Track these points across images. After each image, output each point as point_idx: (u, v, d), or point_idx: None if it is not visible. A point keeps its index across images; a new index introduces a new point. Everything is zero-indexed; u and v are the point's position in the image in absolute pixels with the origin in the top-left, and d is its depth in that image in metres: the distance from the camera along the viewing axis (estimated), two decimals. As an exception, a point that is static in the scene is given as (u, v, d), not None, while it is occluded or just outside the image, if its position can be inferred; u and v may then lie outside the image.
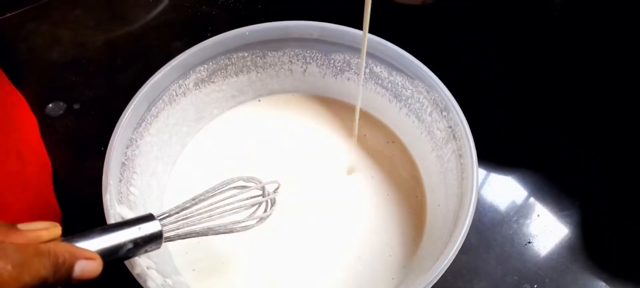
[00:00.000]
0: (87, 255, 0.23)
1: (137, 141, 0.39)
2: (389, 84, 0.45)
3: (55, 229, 0.23)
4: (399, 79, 0.44)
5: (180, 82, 0.43)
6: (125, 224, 0.27)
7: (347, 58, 0.46)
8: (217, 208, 0.33)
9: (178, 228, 0.31)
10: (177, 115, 0.44)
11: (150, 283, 0.31)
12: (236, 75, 0.47)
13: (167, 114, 0.43)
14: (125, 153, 0.38)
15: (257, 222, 0.36)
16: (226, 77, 0.46)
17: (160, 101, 0.42)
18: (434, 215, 0.42)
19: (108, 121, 0.39)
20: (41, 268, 0.20)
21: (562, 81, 0.59)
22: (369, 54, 0.44)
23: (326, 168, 0.46)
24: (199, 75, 0.44)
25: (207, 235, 0.33)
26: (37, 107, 0.54)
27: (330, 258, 0.41)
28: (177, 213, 0.31)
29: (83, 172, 0.49)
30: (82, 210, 0.46)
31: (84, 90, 0.57)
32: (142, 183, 0.40)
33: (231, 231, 0.34)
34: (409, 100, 0.45)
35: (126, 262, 0.32)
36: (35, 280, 0.20)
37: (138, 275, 0.31)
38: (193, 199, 0.33)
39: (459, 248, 0.33)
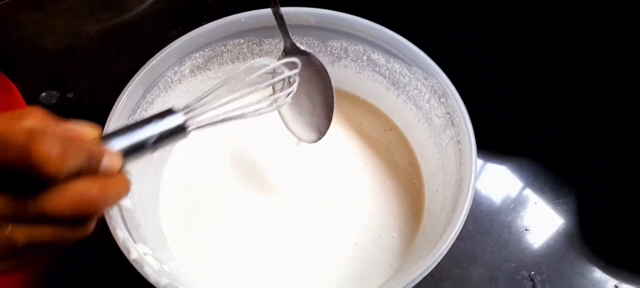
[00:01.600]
0: (110, 154, 0.25)
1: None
2: (387, 71, 0.45)
3: (97, 130, 0.26)
4: (396, 66, 0.44)
5: (175, 68, 0.42)
6: (149, 120, 0.28)
7: (345, 45, 0.45)
8: (236, 92, 0.32)
9: (200, 115, 0.30)
10: (172, 102, 0.44)
11: (147, 268, 0.30)
12: (232, 63, 0.46)
13: (162, 101, 0.42)
14: (121, 139, 0.37)
15: (285, 97, 0.35)
16: (222, 64, 0.46)
17: (156, 88, 0.41)
18: (432, 201, 0.42)
19: (102, 110, 0.38)
20: (79, 157, 0.22)
21: (558, 73, 0.59)
22: (366, 41, 0.44)
23: (323, 157, 0.46)
24: (194, 61, 0.43)
25: (230, 120, 0.32)
26: (30, 97, 0.53)
27: (328, 245, 0.41)
28: (198, 102, 0.31)
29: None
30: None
31: (78, 80, 0.56)
32: (138, 171, 0.40)
33: (256, 112, 0.33)
34: (407, 87, 0.44)
35: (122, 248, 0.31)
36: (74, 166, 0.22)
37: (134, 260, 0.31)
38: (212, 88, 0.32)
39: (458, 233, 0.33)
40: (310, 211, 0.43)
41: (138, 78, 0.39)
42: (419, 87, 0.43)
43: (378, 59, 0.45)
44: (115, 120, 0.37)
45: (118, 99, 0.37)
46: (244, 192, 0.44)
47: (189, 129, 0.29)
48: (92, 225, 0.25)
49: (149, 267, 0.30)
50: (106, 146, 0.25)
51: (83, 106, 0.53)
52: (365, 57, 0.45)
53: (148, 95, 0.40)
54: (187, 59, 0.43)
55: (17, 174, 0.21)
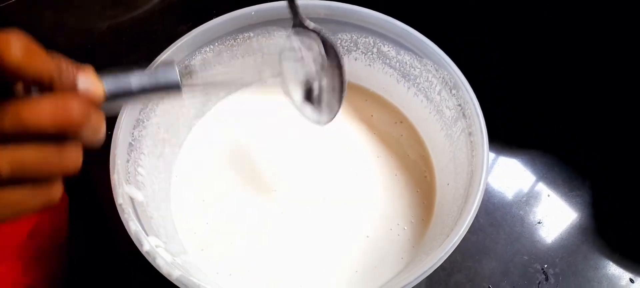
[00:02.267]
0: (88, 72, 0.24)
1: (144, 122, 0.39)
2: (397, 63, 0.45)
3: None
4: (407, 58, 0.44)
5: (186, 62, 0.42)
6: (142, 70, 0.26)
7: (355, 37, 0.45)
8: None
9: (198, 73, 0.29)
10: (183, 96, 0.44)
11: (159, 260, 0.31)
12: (242, 57, 0.46)
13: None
14: (132, 133, 0.38)
15: (293, 72, 0.34)
16: (232, 58, 0.46)
17: (167, 82, 0.41)
18: (443, 194, 0.42)
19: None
20: (48, 62, 0.21)
21: (571, 63, 0.58)
22: (376, 33, 0.44)
23: (334, 150, 0.46)
24: (204, 55, 0.44)
25: (229, 84, 0.31)
26: (43, 93, 0.54)
27: (340, 239, 0.41)
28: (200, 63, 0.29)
29: (90, 157, 0.49)
30: (90, 194, 0.46)
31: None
32: (150, 165, 0.40)
33: (256, 80, 0.31)
34: (418, 79, 0.44)
35: (135, 241, 0.32)
36: (42, 67, 0.21)
37: (147, 252, 0.31)
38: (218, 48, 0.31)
39: (470, 225, 0.33)
40: (321, 205, 0.43)
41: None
42: (429, 78, 0.42)
43: (388, 51, 0.44)
44: (126, 117, 0.37)
45: (130, 93, 0.38)
46: (255, 185, 0.44)
47: (184, 86, 0.28)
48: (77, 155, 0.23)
49: (162, 259, 0.31)
50: (85, 68, 0.24)
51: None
52: (375, 50, 0.45)
53: (159, 90, 0.41)
54: (197, 52, 0.43)
55: None
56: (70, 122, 0.22)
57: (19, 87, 0.22)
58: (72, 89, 0.23)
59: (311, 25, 0.36)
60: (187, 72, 0.28)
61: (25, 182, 0.22)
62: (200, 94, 0.31)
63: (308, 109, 0.38)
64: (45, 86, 0.22)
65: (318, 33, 0.36)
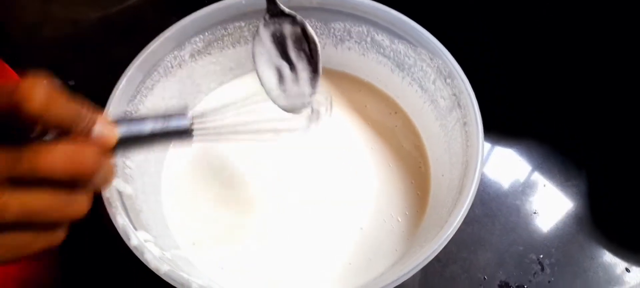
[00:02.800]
0: (104, 119, 0.24)
1: (132, 114, 0.38)
2: (391, 53, 0.44)
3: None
4: (401, 47, 0.43)
5: (175, 53, 0.41)
6: (155, 116, 0.27)
7: (348, 27, 0.44)
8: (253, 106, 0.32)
9: (211, 129, 0.30)
10: (173, 88, 0.43)
11: (147, 255, 0.30)
12: (233, 47, 0.45)
13: (162, 87, 0.42)
14: (121, 126, 0.37)
15: (309, 122, 0.34)
16: (223, 48, 0.45)
17: (156, 73, 0.40)
18: (437, 185, 0.42)
19: (104, 97, 0.38)
20: (66, 109, 0.21)
21: (566, 51, 0.57)
22: (370, 22, 0.43)
23: (327, 142, 0.45)
24: (194, 46, 0.43)
25: (241, 134, 0.31)
26: (32, 85, 0.53)
27: (333, 230, 0.40)
28: (212, 112, 0.30)
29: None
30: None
31: (79, 67, 0.56)
32: (139, 157, 0.39)
33: (270, 132, 0.32)
34: (412, 68, 0.43)
35: (123, 235, 0.31)
36: (61, 115, 0.21)
37: (135, 247, 0.30)
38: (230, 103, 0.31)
39: (465, 216, 0.32)
40: (314, 197, 0.42)
41: (137, 63, 0.38)
42: (424, 68, 0.42)
43: (382, 40, 0.44)
44: (114, 106, 0.36)
45: (117, 84, 0.37)
46: (247, 177, 0.43)
47: (195, 136, 0.29)
48: (85, 203, 0.23)
49: (150, 253, 0.30)
50: (100, 114, 0.24)
51: (84, 94, 0.53)
52: (369, 39, 0.44)
53: (147, 81, 0.40)
54: (186, 43, 0.42)
55: (5, 123, 0.20)
56: (84, 171, 0.22)
57: (37, 127, 0.22)
58: (88, 135, 0.23)
59: (286, 10, 0.35)
60: (200, 117, 0.29)
61: (31, 227, 0.22)
62: (212, 139, 0.32)
63: (280, 96, 0.37)
64: (63, 131, 0.22)
65: (294, 18, 0.35)
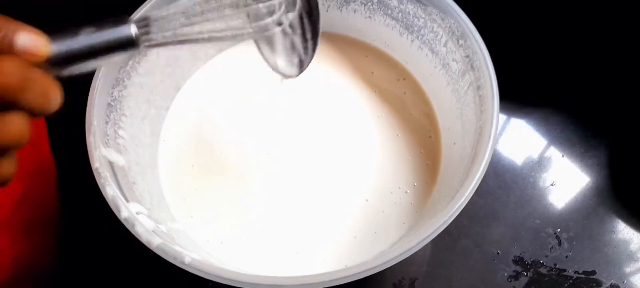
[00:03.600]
0: (29, 29, 0.20)
1: (124, 81, 0.36)
2: (400, 14, 0.41)
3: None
4: (410, 7, 0.40)
5: (146, 14, 0.39)
6: (95, 26, 0.23)
7: None
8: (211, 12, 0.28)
9: (159, 32, 0.26)
10: (168, 54, 0.41)
11: (138, 228, 0.28)
12: (231, 10, 0.43)
13: (156, 53, 0.39)
14: (111, 93, 0.35)
15: (274, 24, 0.30)
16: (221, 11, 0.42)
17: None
18: (449, 154, 0.39)
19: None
20: None
21: (586, 12, 0.53)
22: (376, -20, 0.40)
23: (331, 110, 0.43)
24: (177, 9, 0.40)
25: (194, 42, 0.28)
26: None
27: (337, 203, 0.38)
28: (162, 15, 0.26)
29: (77, 120, 0.47)
30: (80, 166, 0.43)
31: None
32: (133, 128, 0.37)
33: (228, 37, 0.29)
34: (422, 30, 0.40)
35: (112, 206, 0.29)
36: None
37: (125, 219, 0.29)
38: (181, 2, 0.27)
39: (477, 185, 0.30)
40: (318, 168, 0.40)
41: None
42: (435, 29, 0.39)
43: (390, 0, 0.41)
44: (103, 75, 0.34)
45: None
46: (248, 147, 0.41)
47: (142, 44, 0.25)
48: (22, 125, 0.21)
49: (141, 226, 0.28)
50: (19, 23, 0.21)
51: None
52: (375, 0, 0.41)
53: (140, 46, 0.37)
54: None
55: None
56: (6, 86, 0.19)
57: None
58: (9, 49, 0.20)
59: None
60: (145, 25, 0.25)
61: None
62: (164, 50, 0.28)
63: (276, 57, 0.34)
64: None
65: None
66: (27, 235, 0.39)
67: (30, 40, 0.20)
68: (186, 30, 0.27)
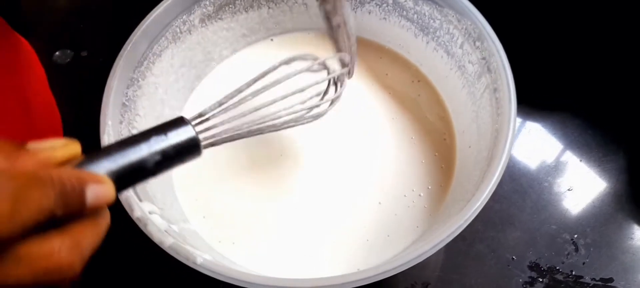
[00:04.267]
0: (96, 179, 0.19)
1: (138, 81, 0.37)
2: (415, 15, 0.41)
3: (74, 146, 0.19)
4: (426, 8, 0.39)
5: (184, 17, 0.39)
6: (148, 133, 0.22)
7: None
8: (267, 101, 0.28)
9: (220, 132, 0.26)
10: (182, 55, 0.41)
11: (151, 227, 0.28)
12: (246, 11, 0.43)
13: (171, 53, 0.40)
14: (126, 93, 0.35)
15: (329, 104, 0.31)
16: (235, 13, 0.42)
17: (163, 38, 0.38)
18: (464, 158, 0.39)
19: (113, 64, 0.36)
20: (43, 199, 0.16)
21: (603, 13, 0.52)
22: (391, -19, 0.39)
23: (345, 111, 0.43)
24: (204, 10, 0.40)
25: (258, 133, 0.28)
26: (44, 56, 0.52)
27: (349, 205, 0.38)
28: (216, 110, 0.26)
29: (93, 121, 0.48)
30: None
31: (92, 38, 0.54)
32: (147, 127, 0.38)
33: (295, 123, 0.29)
34: (437, 32, 0.40)
35: (126, 205, 0.29)
36: (37, 214, 0.16)
37: (138, 218, 0.29)
38: (236, 91, 0.27)
39: (494, 188, 0.29)
40: (331, 170, 0.40)
41: (143, 27, 0.36)
42: (451, 30, 0.38)
43: (405, 1, 0.40)
44: (118, 75, 0.34)
45: (121, 51, 0.35)
46: (261, 148, 0.41)
47: (203, 144, 0.24)
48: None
49: (153, 226, 0.28)
50: (86, 173, 0.19)
51: (97, 65, 0.52)
52: (390, 1, 0.41)
53: (155, 47, 0.38)
54: (196, 7, 0.40)
55: None
56: (58, 278, 0.17)
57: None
58: (81, 211, 0.18)
59: None
60: (203, 121, 0.24)
61: None
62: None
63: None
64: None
65: None
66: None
67: (99, 191, 0.19)
68: (245, 121, 0.27)
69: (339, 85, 0.33)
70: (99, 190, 0.19)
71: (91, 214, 0.19)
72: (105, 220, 0.20)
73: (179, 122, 0.23)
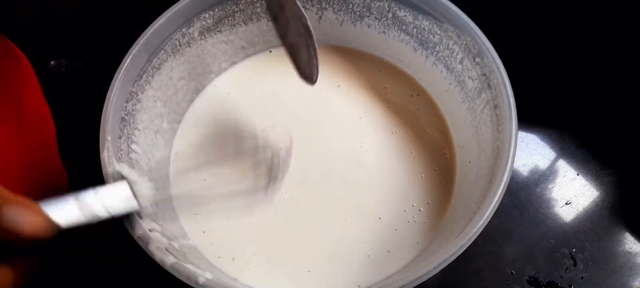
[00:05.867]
0: (22, 202, 0.19)
1: (137, 94, 0.36)
2: (415, 30, 0.41)
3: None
4: (425, 23, 0.40)
5: (183, 30, 0.39)
6: (93, 192, 0.26)
7: (367, 2, 0.41)
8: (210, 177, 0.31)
9: (160, 197, 0.29)
10: (181, 67, 0.41)
11: (152, 246, 0.28)
12: (245, 24, 0.43)
13: (170, 66, 0.39)
14: (125, 107, 0.35)
15: (263, 192, 0.33)
16: (234, 25, 0.42)
17: (162, 51, 0.38)
18: (464, 173, 0.39)
19: (111, 79, 0.36)
20: None
21: (600, 29, 0.53)
22: (391, -4, 0.40)
23: (344, 125, 0.43)
24: (204, 22, 0.40)
25: (198, 203, 0.30)
26: (39, 66, 0.51)
27: (349, 220, 0.38)
28: (160, 179, 0.29)
29: (89, 132, 0.47)
30: (90, 171, 0.43)
31: (88, 47, 0.54)
32: (146, 141, 0.37)
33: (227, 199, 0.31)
34: (437, 47, 0.40)
35: (126, 225, 0.29)
36: None
37: (139, 237, 0.28)
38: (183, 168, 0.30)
39: (497, 206, 0.29)
40: (329, 184, 0.40)
41: (142, 40, 0.36)
42: (450, 46, 0.39)
43: (405, 16, 0.40)
44: (117, 89, 0.34)
45: (121, 64, 0.35)
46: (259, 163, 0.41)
47: (146, 212, 0.27)
48: None
49: (154, 244, 0.28)
50: (11, 193, 0.19)
51: (92, 75, 0.51)
52: (390, 15, 0.41)
53: (154, 60, 0.37)
54: (195, 19, 0.39)
55: None
56: None
57: None
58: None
59: None
60: (146, 185, 0.28)
61: None
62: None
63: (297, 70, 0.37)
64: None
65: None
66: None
67: (18, 216, 0.18)
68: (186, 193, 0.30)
69: (278, 170, 0.35)
70: (21, 214, 0.18)
71: (24, 248, 0.18)
72: (37, 261, 0.19)
73: (121, 184, 0.27)
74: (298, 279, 0.36)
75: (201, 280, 0.27)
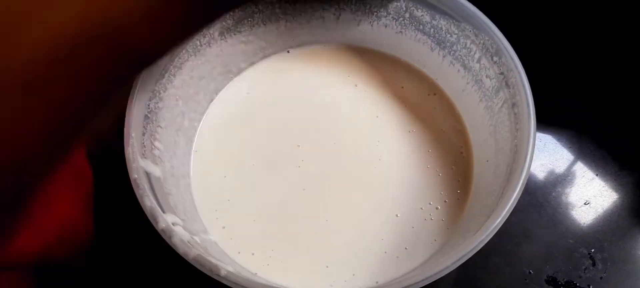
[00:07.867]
0: None
1: (160, 93, 0.37)
2: (432, 29, 0.41)
3: None
4: (442, 22, 0.40)
5: (204, 30, 0.40)
6: None
7: (385, 2, 0.42)
8: None
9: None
10: (202, 67, 0.41)
11: (175, 239, 0.29)
12: (264, 24, 0.44)
13: (191, 66, 0.40)
14: (148, 105, 0.36)
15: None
16: (253, 25, 0.43)
17: (184, 51, 0.39)
18: (481, 172, 0.39)
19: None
20: None
21: (625, 29, 0.53)
22: (409, -4, 0.40)
23: (361, 124, 0.43)
24: (224, 23, 0.41)
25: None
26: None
27: (368, 216, 0.38)
28: None
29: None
30: (117, 169, 0.44)
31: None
32: (168, 139, 0.38)
33: None
34: (454, 46, 0.40)
35: (150, 218, 0.30)
36: None
37: (162, 230, 0.29)
38: None
39: (515, 204, 0.29)
40: (348, 180, 0.40)
41: (165, 40, 0.37)
42: (468, 45, 0.39)
43: (422, 16, 0.41)
44: (140, 87, 0.35)
45: (145, 63, 0.36)
46: (278, 161, 0.41)
47: None
48: None
49: (178, 237, 0.29)
50: None
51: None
52: (407, 15, 0.42)
53: (176, 59, 0.38)
54: (216, 20, 0.40)
55: None
56: None
57: None
58: None
59: None
60: None
61: None
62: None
63: None
64: None
65: None
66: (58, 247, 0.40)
67: None
68: None
69: None
70: None
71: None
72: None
73: None
74: (316, 274, 0.36)
75: (223, 272, 0.28)
